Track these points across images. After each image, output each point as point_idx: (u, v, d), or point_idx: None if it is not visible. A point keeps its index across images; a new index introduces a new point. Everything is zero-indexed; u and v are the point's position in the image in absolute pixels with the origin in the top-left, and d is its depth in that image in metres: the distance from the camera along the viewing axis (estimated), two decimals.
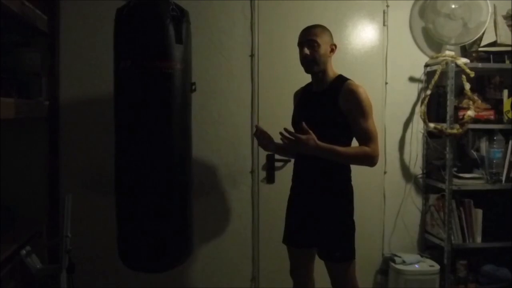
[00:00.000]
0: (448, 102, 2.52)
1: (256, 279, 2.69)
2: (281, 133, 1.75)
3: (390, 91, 2.76)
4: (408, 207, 2.82)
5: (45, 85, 2.35)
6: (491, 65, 2.66)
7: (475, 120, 2.56)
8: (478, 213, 2.62)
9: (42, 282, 2.02)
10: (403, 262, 2.62)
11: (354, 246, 1.93)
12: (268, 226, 2.65)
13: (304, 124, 1.76)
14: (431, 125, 2.61)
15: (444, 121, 2.56)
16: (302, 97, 2.08)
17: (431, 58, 2.73)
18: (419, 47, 2.78)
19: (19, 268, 1.95)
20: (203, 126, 2.57)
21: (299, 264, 2.08)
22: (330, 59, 1.95)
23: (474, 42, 2.68)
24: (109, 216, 2.15)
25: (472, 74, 2.52)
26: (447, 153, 2.56)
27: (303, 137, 1.74)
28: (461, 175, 2.64)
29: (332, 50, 1.95)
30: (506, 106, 2.61)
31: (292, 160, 2.11)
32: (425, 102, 2.65)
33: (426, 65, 2.76)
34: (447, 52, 2.64)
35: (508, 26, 2.67)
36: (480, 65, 2.61)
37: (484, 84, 2.75)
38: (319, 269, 2.04)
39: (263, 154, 2.64)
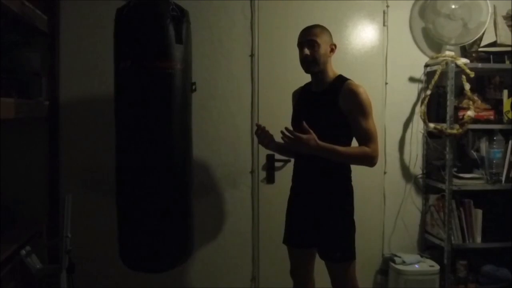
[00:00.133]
0: (448, 102, 2.52)
1: (256, 279, 2.69)
2: (282, 132, 1.75)
3: (390, 91, 2.76)
4: (408, 207, 2.82)
5: (45, 85, 2.35)
6: (491, 65, 2.66)
7: (475, 120, 2.56)
8: (478, 213, 2.62)
9: (42, 282, 2.02)
10: (403, 262, 2.62)
11: (355, 246, 1.93)
12: (268, 226, 2.65)
13: (304, 123, 1.76)
14: (431, 125, 2.61)
15: (444, 121, 2.56)
16: (301, 97, 2.08)
17: (431, 58, 2.73)
18: (419, 47, 2.78)
19: (19, 268, 1.95)
20: (203, 126, 2.57)
21: (299, 264, 2.08)
22: (330, 59, 1.95)
23: (474, 43, 2.68)
24: (109, 216, 2.15)
25: (472, 74, 2.52)
26: (447, 153, 2.56)
27: (304, 136, 1.74)
28: (461, 175, 2.64)
29: (332, 50, 1.95)
30: (506, 106, 2.61)
31: (292, 160, 2.11)
32: (425, 102, 2.65)
33: (426, 65, 2.76)
34: (447, 52, 2.64)
35: (508, 26, 2.67)
36: (480, 65, 2.61)
37: (484, 84, 2.75)
38: (319, 269, 2.04)
39: (263, 154, 2.65)
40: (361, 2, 2.71)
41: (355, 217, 1.95)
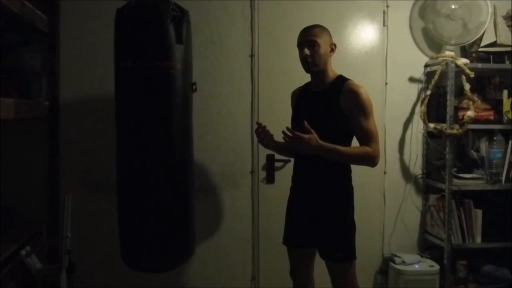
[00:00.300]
0: (448, 103, 2.52)
1: (256, 279, 2.69)
2: (283, 132, 1.75)
3: (390, 91, 2.76)
4: (408, 207, 2.82)
5: (45, 85, 2.35)
6: (491, 65, 2.66)
7: (475, 121, 2.56)
8: (478, 214, 2.62)
9: (42, 282, 2.02)
10: (403, 262, 2.62)
11: (355, 246, 1.93)
12: (268, 226, 2.65)
13: (306, 123, 1.76)
14: (431, 125, 2.61)
15: (444, 121, 2.56)
16: (301, 97, 2.08)
17: (431, 58, 2.73)
18: (419, 47, 2.78)
19: (19, 268, 1.95)
20: (203, 126, 2.57)
21: (299, 265, 2.08)
22: (330, 59, 1.95)
23: (474, 43, 2.68)
24: (108, 216, 2.15)
25: (472, 75, 2.52)
26: (447, 153, 2.56)
27: (306, 136, 1.74)
28: (461, 175, 2.64)
29: (332, 50, 1.95)
30: (506, 107, 2.61)
31: (292, 160, 2.11)
32: (425, 102, 2.65)
33: (426, 66, 2.76)
34: (447, 53, 2.64)
35: (508, 26, 2.67)
36: (480, 65, 2.61)
37: (484, 85, 2.75)
38: (319, 269, 2.04)
39: (263, 154, 2.65)
40: (361, 2, 2.71)
41: (355, 217, 1.95)
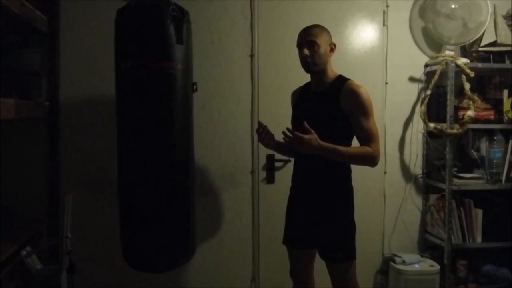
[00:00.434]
0: (448, 102, 2.52)
1: (256, 279, 2.69)
2: (283, 133, 1.75)
3: (390, 91, 2.76)
4: (408, 207, 2.82)
5: (45, 85, 2.35)
6: (491, 65, 2.66)
7: (475, 120, 2.56)
8: (478, 213, 2.62)
9: (43, 282, 2.02)
10: (403, 262, 2.62)
11: (355, 246, 1.93)
12: (268, 226, 2.65)
13: (305, 123, 1.76)
14: (431, 125, 2.61)
15: (444, 121, 2.56)
16: (301, 97, 2.08)
17: (431, 58, 2.73)
18: (419, 47, 2.78)
19: (20, 268, 1.95)
20: (203, 126, 2.57)
21: (299, 265, 2.08)
22: (330, 59, 1.95)
23: (474, 42, 2.68)
24: (109, 216, 2.16)
25: (472, 74, 2.52)
26: (447, 153, 2.56)
27: (306, 136, 1.74)
28: (461, 175, 2.64)
29: (332, 50, 1.94)
30: (506, 106, 2.61)
31: (292, 160, 2.11)
32: (425, 102, 2.65)
33: (426, 65, 2.76)
34: (447, 52, 2.64)
35: (508, 26, 2.67)
36: (480, 65, 2.61)
37: (484, 84, 2.75)
38: (319, 269, 2.04)
39: (263, 154, 2.65)
40: (361, 2, 2.71)
41: (355, 217, 1.95)
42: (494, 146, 2.60)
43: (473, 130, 2.65)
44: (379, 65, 2.74)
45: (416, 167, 2.81)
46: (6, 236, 2.02)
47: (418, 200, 2.84)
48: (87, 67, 2.48)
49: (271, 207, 2.64)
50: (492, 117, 2.63)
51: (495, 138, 2.60)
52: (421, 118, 2.67)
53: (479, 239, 2.62)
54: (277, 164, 2.67)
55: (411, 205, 2.83)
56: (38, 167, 2.44)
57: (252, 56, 2.63)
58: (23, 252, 1.80)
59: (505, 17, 2.69)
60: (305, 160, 1.97)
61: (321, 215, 1.92)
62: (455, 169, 2.64)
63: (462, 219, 2.61)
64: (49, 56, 2.41)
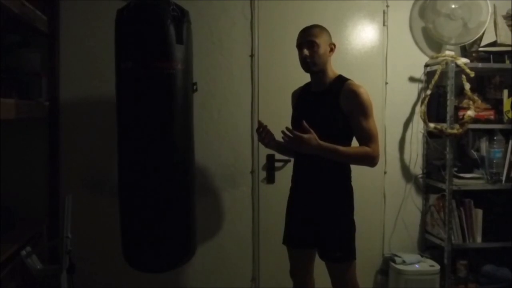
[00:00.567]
0: (448, 102, 2.52)
1: (256, 279, 2.69)
2: (283, 132, 1.75)
3: (390, 91, 2.76)
4: (408, 207, 2.82)
5: (45, 85, 2.35)
6: (491, 65, 2.66)
7: (475, 120, 2.56)
8: (478, 213, 2.62)
9: (43, 282, 2.02)
10: (403, 262, 2.62)
11: (355, 246, 1.93)
12: (268, 226, 2.65)
13: (305, 123, 1.76)
14: (431, 125, 2.61)
15: (444, 121, 2.56)
16: (301, 97, 2.08)
17: (431, 58, 2.73)
18: (419, 47, 2.78)
19: (20, 268, 1.95)
20: (203, 126, 2.57)
21: (299, 265, 2.08)
22: (330, 59, 1.95)
23: (474, 42, 2.68)
24: (109, 216, 2.16)
25: (472, 74, 2.52)
26: (447, 153, 2.56)
27: (305, 136, 1.74)
28: (461, 175, 2.64)
29: (332, 50, 1.94)
30: (506, 106, 2.61)
31: (292, 160, 2.11)
32: (425, 102, 2.65)
33: (426, 65, 2.76)
34: (447, 52, 2.64)
35: (508, 26, 2.67)
36: (480, 65, 2.61)
37: (484, 84, 2.75)
38: (319, 269, 2.03)
39: (263, 154, 2.65)
40: (361, 2, 2.71)
41: (355, 217, 1.95)
42: (494, 146, 2.60)
43: (473, 130, 2.65)
44: (379, 65, 2.74)
45: (416, 167, 2.81)
46: (6, 236, 2.02)
47: (418, 200, 2.84)
48: (87, 67, 2.48)
49: (271, 207, 2.64)
50: (492, 117, 2.63)
51: (495, 138, 2.60)
52: (421, 118, 2.67)
53: (479, 239, 2.62)
54: (277, 164, 2.67)
55: (411, 205, 2.83)
56: (38, 167, 2.44)
57: (252, 56, 2.63)
58: (23, 252, 1.81)
59: (505, 17, 2.69)
60: (305, 160, 1.97)
61: (321, 215, 1.92)
62: (455, 169, 2.64)
63: (462, 219, 2.61)
64: (49, 56, 2.41)
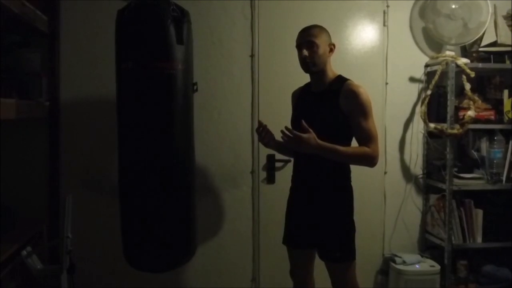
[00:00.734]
0: (449, 102, 2.52)
1: (256, 279, 2.69)
2: (282, 132, 1.75)
3: (390, 91, 2.76)
4: (408, 207, 2.82)
5: (45, 85, 2.35)
6: (492, 65, 2.66)
7: (476, 120, 2.56)
8: (479, 213, 2.62)
9: (43, 282, 2.02)
10: (404, 262, 2.62)
11: (355, 246, 1.93)
12: (268, 226, 2.65)
13: (303, 122, 1.76)
14: (432, 125, 2.61)
15: (444, 121, 2.56)
16: (301, 98, 2.08)
17: (431, 58, 2.73)
18: (419, 47, 2.78)
19: (20, 268, 1.95)
20: (204, 126, 2.57)
21: (299, 265, 2.08)
22: (329, 59, 1.95)
23: (475, 42, 2.68)
24: (109, 216, 2.16)
25: (472, 74, 2.52)
26: (447, 153, 2.56)
27: (304, 135, 1.74)
28: (461, 175, 2.64)
29: (331, 50, 1.94)
30: (506, 106, 2.61)
31: (292, 160, 2.11)
32: (426, 102, 2.65)
33: (426, 65, 2.76)
34: (447, 52, 2.63)
35: (509, 26, 2.67)
36: (480, 65, 2.61)
37: (484, 84, 2.75)
38: (319, 269, 2.03)
39: (263, 154, 2.65)
40: (361, 2, 2.71)
41: (355, 217, 1.95)
42: (495, 146, 2.60)
43: (474, 130, 2.65)
44: (380, 65, 2.74)
45: (417, 167, 2.81)
46: (6, 236, 2.02)
47: (419, 200, 2.84)
48: (87, 67, 2.48)
49: (272, 207, 2.64)
50: (492, 117, 2.63)
51: (495, 138, 2.60)
52: (422, 118, 2.67)
53: (479, 239, 2.62)
54: (278, 164, 2.67)
55: (412, 205, 2.83)
56: (38, 167, 2.44)
57: (252, 56, 2.63)
58: (24, 252, 1.81)
59: (505, 17, 2.69)
60: (305, 160, 1.97)
61: (321, 215, 1.92)
62: (456, 169, 2.64)
63: (462, 219, 2.61)
64: (49, 56, 2.41)
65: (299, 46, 1.93)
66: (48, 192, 2.44)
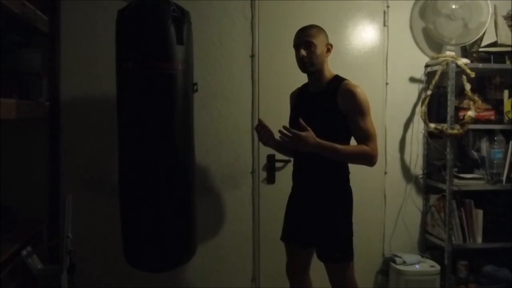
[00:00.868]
0: (449, 103, 2.52)
1: (256, 279, 2.69)
2: (280, 131, 1.75)
3: (390, 92, 2.76)
4: (408, 208, 2.82)
5: (45, 85, 2.35)
6: (492, 65, 2.66)
7: (476, 121, 2.56)
8: (479, 214, 2.62)
9: (43, 282, 2.02)
10: (404, 263, 2.62)
11: (352, 247, 1.93)
12: (268, 226, 2.65)
13: (301, 120, 1.76)
14: (432, 125, 2.61)
15: (444, 121, 2.56)
16: (299, 98, 2.08)
17: (432, 58, 2.73)
18: (419, 47, 2.78)
19: (20, 268, 1.95)
20: (204, 127, 2.57)
21: (295, 261, 2.10)
22: (327, 59, 1.95)
23: (475, 43, 2.68)
24: (109, 216, 2.16)
25: (472, 75, 2.52)
26: (447, 153, 2.56)
27: (303, 134, 1.74)
28: (461, 175, 2.64)
29: (329, 50, 1.95)
30: (506, 107, 2.61)
31: (292, 160, 2.11)
32: (426, 102, 2.65)
33: (427, 66, 2.76)
34: (448, 53, 2.63)
35: (509, 26, 2.67)
36: (480, 65, 2.61)
37: (484, 85, 2.75)
38: (318, 269, 2.03)
39: (263, 154, 2.65)
40: (361, 2, 2.71)
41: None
42: (495, 146, 2.60)
43: (474, 130, 2.65)
44: (380, 66, 2.74)
45: (417, 167, 2.81)
46: (6, 236, 2.02)
47: (419, 201, 2.84)
48: (87, 67, 2.48)
49: (272, 207, 2.64)
50: (492, 117, 2.63)
51: (495, 138, 2.60)
52: (422, 118, 2.67)
53: (479, 239, 2.62)
54: (278, 165, 2.66)
55: (412, 205, 2.83)
56: (38, 167, 2.44)
57: (252, 56, 2.63)
58: (24, 252, 1.81)
59: (505, 18, 2.69)
60: (304, 160, 1.97)
61: (318, 215, 1.93)
62: (456, 169, 2.64)
63: (462, 219, 2.61)
64: (50, 56, 2.41)
65: (297, 46, 1.93)
66: (48, 192, 2.44)
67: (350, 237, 1.94)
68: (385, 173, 2.77)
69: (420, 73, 2.78)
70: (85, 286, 2.41)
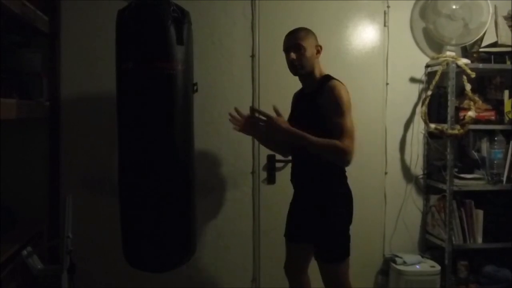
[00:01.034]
0: (449, 103, 2.52)
1: (257, 279, 2.69)
2: (230, 113, 1.89)
3: (390, 92, 2.76)
4: (409, 208, 2.82)
5: (45, 85, 2.35)
6: (492, 65, 2.65)
7: (476, 121, 2.56)
8: (479, 214, 2.62)
9: (43, 282, 2.02)
10: (404, 263, 2.62)
11: (348, 246, 1.91)
12: (269, 226, 2.65)
13: (274, 106, 1.82)
14: (432, 125, 2.60)
15: (445, 121, 2.56)
16: (297, 98, 2.11)
17: (432, 58, 2.73)
18: (419, 47, 2.78)
19: (20, 269, 1.95)
20: (204, 127, 2.57)
21: (292, 258, 2.12)
22: (318, 61, 1.95)
23: (475, 43, 2.68)
24: (109, 216, 2.15)
25: (473, 75, 2.52)
26: (448, 153, 2.56)
27: (274, 117, 1.78)
28: (462, 175, 2.64)
29: (318, 52, 1.95)
30: (507, 107, 2.61)
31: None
32: (426, 102, 2.65)
33: (427, 66, 2.76)
34: (448, 53, 2.63)
35: (509, 26, 2.67)
36: (481, 65, 2.61)
37: (485, 85, 2.75)
38: (317, 270, 2.03)
39: (263, 154, 2.65)
40: (362, 3, 2.71)
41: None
42: (495, 146, 2.60)
43: (474, 130, 2.65)
44: (380, 66, 2.74)
45: (417, 167, 2.81)
46: (7, 236, 2.02)
47: (419, 201, 2.84)
48: (87, 67, 2.48)
49: (272, 207, 2.63)
50: (493, 117, 2.63)
51: (496, 138, 2.60)
52: (422, 118, 2.67)
53: (479, 239, 2.62)
54: (278, 165, 2.66)
55: (412, 205, 2.83)
56: (38, 167, 2.44)
57: (252, 56, 2.63)
58: (24, 252, 1.81)
59: (506, 18, 2.69)
60: (298, 161, 2.00)
61: (313, 215, 1.93)
62: (456, 169, 2.64)
63: (462, 219, 2.61)
64: (50, 56, 2.41)
65: (287, 50, 1.95)
66: (48, 192, 2.44)
67: (343, 237, 1.91)
68: (386, 173, 2.77)
69: (420, 73, 2.78)
70: (85, 286, 2.40)
